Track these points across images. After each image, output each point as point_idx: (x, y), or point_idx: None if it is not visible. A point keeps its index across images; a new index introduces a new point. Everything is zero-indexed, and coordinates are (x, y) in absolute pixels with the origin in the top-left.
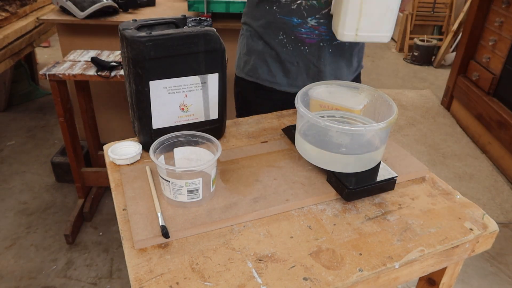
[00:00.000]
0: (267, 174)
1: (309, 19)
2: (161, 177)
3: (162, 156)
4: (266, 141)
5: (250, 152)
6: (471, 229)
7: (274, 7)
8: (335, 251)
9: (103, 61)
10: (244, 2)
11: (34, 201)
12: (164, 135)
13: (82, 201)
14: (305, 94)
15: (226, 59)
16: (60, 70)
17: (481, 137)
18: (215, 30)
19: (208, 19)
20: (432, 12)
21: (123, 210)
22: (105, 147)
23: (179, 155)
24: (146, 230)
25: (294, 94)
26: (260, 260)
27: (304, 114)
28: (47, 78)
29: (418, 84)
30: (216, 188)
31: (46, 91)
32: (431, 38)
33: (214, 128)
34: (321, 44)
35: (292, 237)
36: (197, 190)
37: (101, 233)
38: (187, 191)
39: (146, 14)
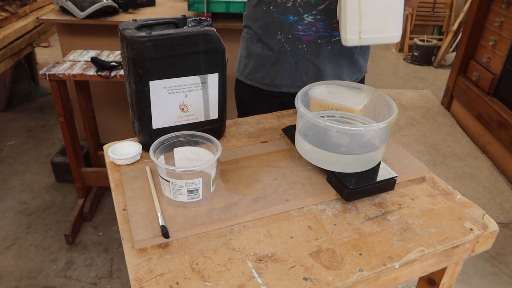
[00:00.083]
0: (267, 174)
1: (305, 15)
2: (161, 177)
3: (162, 156)
4: (266, 141)
5: (250, 152)
6: (471, 229)
7: (271, 7)
8: (335, 251)
9: (103, 61)
10: (244, 2)
11: (34, 201)
12: (164, 135)
13: (82, 201)
14: (305, 94)
15: (226, 59)
16: (60, 70)
17: (481, 137)
18: (215, 30)
19: (208, 19)
20: (432, 12)
21: (123, 210)
22: (105, 147)
23: (179, 155)
24: (146, 230)
25: (294, 95)
26: (260, 260)
27: (304, 114)
28: (47, 78)
29: (418, 84)
30: (216, 188)
31: (46, 91)
32: (431, 38)
33: (214, 128)
34: (319, 41)
35: (292, 237)
36: (197, 190)
37: (101, 233)
38: (187, 191)
39: (146, 14)
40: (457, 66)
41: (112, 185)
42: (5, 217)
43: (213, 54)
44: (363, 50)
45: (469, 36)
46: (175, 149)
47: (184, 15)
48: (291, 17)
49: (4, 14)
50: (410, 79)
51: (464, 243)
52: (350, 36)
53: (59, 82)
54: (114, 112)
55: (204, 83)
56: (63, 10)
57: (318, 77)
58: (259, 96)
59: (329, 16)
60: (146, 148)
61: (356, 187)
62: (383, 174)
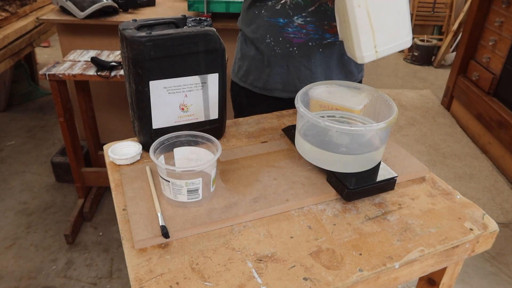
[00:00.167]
0: (267, 174)
1: (295, 18)
2: (161, 177)
3: (162, 156)
4: (266, 141)
5: (250, 152)
6: (471, 229)
7: (262, 11)
8: (335, 251)
9: (103, 61)
10: None
11: (34, 201)
12: (164, 135)
13: (82, 201)
14: (305, 94)
15: (226, 59)
16: (60, 70)
17: (481, 137)
18: (215, 30)
19: (208, 19)
20: (432, 12)
21: (123, 210)
22: (105, 147)
23: (179, 155)
24: (146, 230)
25: (286, 100)
26: (260, 260)
27: (304, 114)
28: (47, 78)
29: (418, 84)
30: (216, 188)
31: (46, 91)
32: (431, 38)
33: (214, 128)
34: (310, 43)
35: (292, 237)
36: (197, 190)
37: (101, 233)
38: (187, 191)
39: (146, 14)
40: (457, 66)
41: (112, 185)
42: (5, 217)
43: (213, 54)
44: None
45: (469, 36)
46: (175, 149)
47: (184, 15)
48: (281, 20)
49: (4, 14)
50: (410, 79)
51: (464, 243)
52: (366, 52)
53: (59, 82)
54: (114, 112)
55: (204, 83)
56: (63, 10)
57: (311, 81)
58: (253, 98)
59: (320, 18)
60: (146, 148)
61: (356, 187)
62: (383, 174)
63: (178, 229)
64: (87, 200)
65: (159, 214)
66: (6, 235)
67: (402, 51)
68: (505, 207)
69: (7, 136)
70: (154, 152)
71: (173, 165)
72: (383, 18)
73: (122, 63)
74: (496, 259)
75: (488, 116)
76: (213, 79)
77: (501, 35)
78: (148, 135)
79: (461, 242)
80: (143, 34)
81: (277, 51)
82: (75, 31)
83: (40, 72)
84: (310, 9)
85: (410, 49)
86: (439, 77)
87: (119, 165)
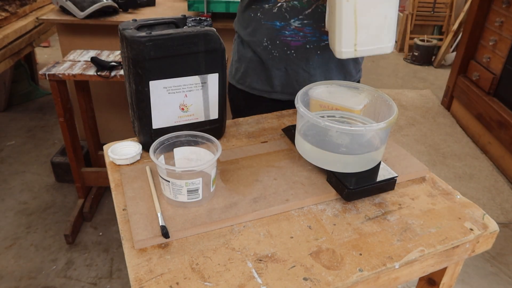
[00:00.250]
0: (267, 174)
1: (292, 20)
2: (161, 177)
3: (162, 156)
4: (266, 141)
5: (250, 152)
6: (471, 229)
7: (259, 14)
8: (335, 251)
9: (103, 61)
10: None
11: (34, 201)
12: (164, 135)
13: (82, 201)
14: (305, 94)
15: (226, 59)
16: (60, 70)
17: (481, 137)
18: (215, 30)
19: (208, 19)
20: (432, 12)
21: (123, 210)
22: (105, 147)
23: (179, 155)
24: (146, 230)
25: (285, 102)
26: (260, 260)
27: (304, 114)
28: (47, 78)
29: (418, 84)
30: (216, 188)
31: (46, 91)
32: (431, 38)
33: (214, 128)
34: (308, 46)
35: (292, 237)
36: (197, 190)
37: (101, 233)
38: (187, 191)
39: (146, 14)
40: (457, 66)
41: (112, 185)
42: (5, 217)
43: (213, 54)
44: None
45: (469, 36)
46: (175, 149)
47: (184, 15)
48: (278, 23)
49: (4, 14)
50: (410, 79)
51: (464, 243)
52: (345, 49)
53: (59, 82)
54: (114, 112)
55: (204, 83)
56: (63, 10)
57: (309, 83)
58: (251, 100)
59: (317, 20)
60: (146, 148)
61: (356, 187)
62: (383, 174)
63: (178, 229)
64: (87, 200)
65: (159, 214)
66: (6, 235)
67: (402, 51)
68: (505, 207)
69: (7, 136)
70: (154, 152)
71: (173, 165)
72: (369, 18)
73: (122, 63)
74: (496, 259)
75: (488, 116)
76: (213, 79)
77: (501, 35)
78: (148, 135)
79: (461, 242)
80: (143, 34)
81: (274, 54)
82: (75, 31)
83: (40, 72)
84: (306, 12)
85: (410, 49)
86: (439, 77)
87: (119, 165)
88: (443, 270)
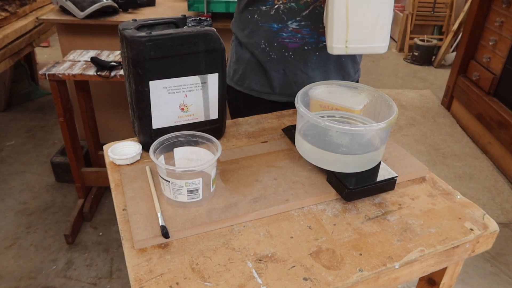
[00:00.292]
0: (267, 174)
1: (290, 22)
2: (161, 177)
3: (162, 156)
4: (266, 141)
5: (250, 152)
6: (471, 229)
7: (256, 16)
8: (335, 251)
9: (103, 61)
10: None
11: (34, 201)
12: (164, 135)
13: (82, 201)
14: (305, 94)
15: (226, 59)
16: (60, 70)
17: (481, 137)
18: (215, 30)
19: (208, 19)
20: (432, 12)
21: (123, 210)
22: (105, 147)
23: (179, 155)
24: (146, 230)
25: (284, 104)
26: (260, 260)
27: (304, 114)
28: (47, 78)
29: (418, 84)
30: (216, 188)
31: (46, 91)
32: (431, 38)
33: (214, 128)
34: (306, 47)
35: (292, 237)
36: (197, 190)
37: (101, 233)
38: (187, 191)
39: (146, 14)
40: (457, 66)
41: (112, 185)
42: (5, 217)
43: (213, 54)
44: (352, 55)
45: (469, 36)
46: (175, 149)
47: (184, 15)
48: (275, 25)
49: (3, 14)
50: (410, 79)
51: (464, 243)
52: (336, 44)
53: (59, 82)
54: (114, 112)
55: (204, 83)
56: (63, 10)
57: (308, 84)
58: (249, 102)
59: (314, 21)
60: (146, 148)
61: (356, 187)
62: (383, 174)
63: (178, 229)
64: (87, 200)
65: (159, 214)
66: (6, 235)
67: (402, 51)
68: (505, 207)
69: (7, 136)
70: (154, 152)
71: (173, 165)
72: (360, 16)
73: (122, 63)
74: (497, 259)
75: (488, 116)
76: (213, 79)
77: (502, 35)
78: (148, 135)
79: (461, 242)
80: (143, 34)
81: (272, 56)
82: (75, 31)
83: (40, 72)
84: (304, 13)
85: (410, 49)
86: (439, 77)
87: (119, 165)
88: (443, 270)
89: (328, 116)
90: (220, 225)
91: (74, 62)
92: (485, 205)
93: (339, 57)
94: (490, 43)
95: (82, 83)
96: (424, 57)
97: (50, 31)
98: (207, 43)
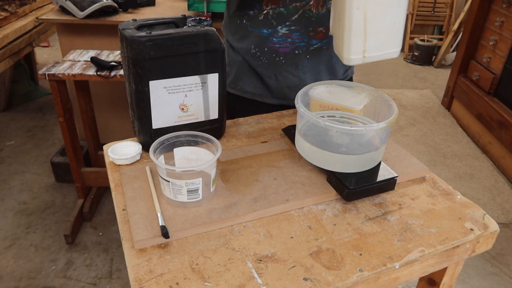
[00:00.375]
0: (267, 174)
1: (279, 27)
2: (161, 177)
3: (162, 156)
4: (266, 141)
5: (250, 152)
6: (472, 229)
7: (244, 21)
8: (335, 251)
9: (103, 61)
10: None
11: (34, 201)
12: (164, 135)
13: (82, 201)
14: (305, 94)
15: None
16: (59, 70)
17: (481, 137)
18: (215, 30)
19: (208, 19)
20: (432, 12)
21: (123, 210)
22: (105, 147)
23: (179, 155)
24: (146, 230)
25: (279, 106)
26: (260, 260)
27: (304, 114)
28: (47, 78)
29: (418, 84)
30: (216, 188)
31: (46, 91)
32: (432, 38)
33: (214, 128)
34: (297, 51)
35: (292, 237)
36: (197, 190)
37: (101, 233)
38: (187, 191)
39: (146, 14)
40: (458, 66)
41: (112, 185)
42: (4, 217)
43: (213, 54)
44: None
45: (470, 36)
46: (175, 149)
47: (184, 15)
48: (265, 30)
49: (3, 13)
50: (410, 79)
51: (464, 243)
52: (354, 56)
53: (59, 82)
54: (114, 112)
55: (204, 83)
56: (63, 10)
57: (300, 87)
58: (244, 103)
59: (304, 25)
60: (146, 148)
61: (356, 187)
62: (383, 174)
63: (178, 229)
64: (87, 200)
65: (159, 214)
66: (6, 235)
67: (402, 51)
68: (505, 207)
69: (7, 136)
70: (154, 152)
71: (173, 165)
72: (378, 25)
73: (122, 63)
74: (497, 259)
75: (488, 116)
76: (213, 79)
77: (502, 35)
78: (148, 135)
79: (462, 242)
80: (143, 34)
81: (263, 61)
82: (74, 31)
83: (40, 72)
84: (293, 18)
85: (411, 49)
86: (440, 77)
87: (119, 165)
88: (443, 270)
89: (328, 116)
90: (220, 225)
91: (74, 62)
92: (486, 205)
93: (330, 58)
94: (491, 43)
95: (82, 83)
96: (424, 57)
97: (50, 31)
98: (207, 43)
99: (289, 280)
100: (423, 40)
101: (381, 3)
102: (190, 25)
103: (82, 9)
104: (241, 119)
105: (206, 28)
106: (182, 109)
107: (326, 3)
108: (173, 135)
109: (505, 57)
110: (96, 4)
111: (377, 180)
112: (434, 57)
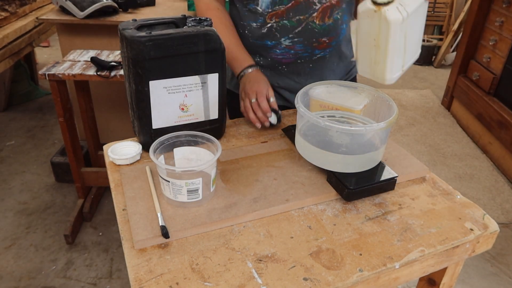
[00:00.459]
0: (267, 174)
1: (283, 39)
2: (161, 177)
3: (162, 156)
4: (266, 141)
5: (250, 152)
6: (472, 229)
7: (246, 31)
8: (335, 251)
9: (103, 61)
10: None
11: (34, 201)
12: (164, 135)
13: (82, 201)
14: (305, 94)
15: None
16: (59, 70)
17: (481, 137)
18: (215, 30)
19: (208, 19)
20: (432, 12)
21: (123, 210)
22: (105, 147)
23: (179, 155)
24: (146, 230)
25: (280, 107)
26: (260, 260)
27: (304, 114)
28: (47, 78)
29: (418, 84)
30: (216, 188)
31: (46, 91)
32: (432, 38)
33: (214, 128)
34: (299, 61)
35: (292, 237)
36: (197, 190)
37: (101, 233)
38: (187, 191)
39: (146, 14)
40: (458, 66)
41: (112, 185)
42: (4, 217)
43: (213, 54)
44: (344, 58)
45: (470, 36)
46: (175, 149)
47: (184, 15)
48: (268, 42)
49: (3, 13)
50: (410, 79)
51: (464, 243)
52: (396, 74)
53: (59, 82)
54: (114, 112)
55: (204, 83)
56: (63, 10)
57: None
58: None
59: (307, 36)
60: (146, 148)
61: (356, 187)
62: (383, 174)
63: (178, 229)
64: (87, 200)
65: (159, 214)
66: (6, 235)
67: None
68: (505, 207)
69: (7, 136)
70: (154, 152)
71: (173, 165)
72: (412, 38)
73: (122, 63)
74: (497, 259)
75: (488, 116)
76: (213, 79)
77: (502, 35)
78: (148, 135)
79: (462, 242)
80: (143, 34)
81: (266, 68)
82: (75, 31)
83: (40, 72)
84: (297, 30)
85: None
86: (440, 77)
87: (119, 165)
88: (443, 270)
89: (328, 116)
90: (220, 225)
91: (74, 62)
92: (485, 205)
93: (332, 64)
94: (490, 43)
95: (82, 83)
96: (424, 57)
97: (50, 31)
98: (207, 43)
99: (289, 280)
100: (423, 40)
101: (415, 18)
102: (190, 25)
103: (82, 9)
104: (241, 119)
105: (206, 28)
106: (182, 109)
107: (333, 14)
108: (173, 135)
109: (505, 57)
110: (96, 4)
111: (377, 180)
112: (434, 57)
